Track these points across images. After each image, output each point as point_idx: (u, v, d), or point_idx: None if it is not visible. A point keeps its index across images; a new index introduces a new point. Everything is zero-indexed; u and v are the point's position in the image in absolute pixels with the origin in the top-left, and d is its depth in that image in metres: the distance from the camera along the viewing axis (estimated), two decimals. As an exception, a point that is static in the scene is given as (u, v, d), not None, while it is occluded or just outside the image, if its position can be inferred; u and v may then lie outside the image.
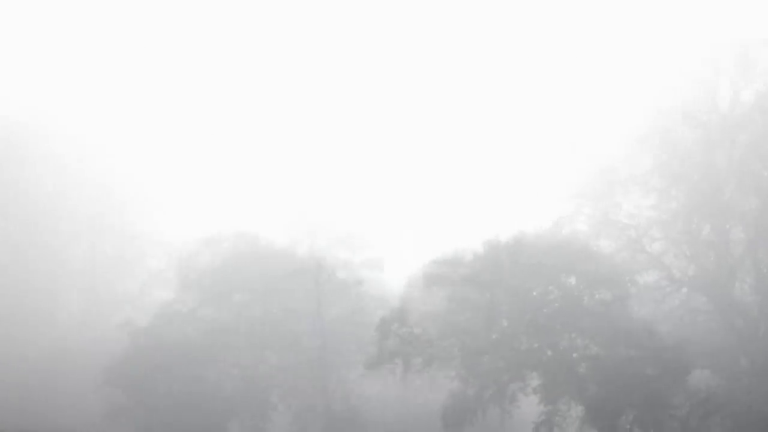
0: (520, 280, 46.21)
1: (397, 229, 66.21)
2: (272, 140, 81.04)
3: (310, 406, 56.43)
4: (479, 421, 45.13)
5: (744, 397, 46.63)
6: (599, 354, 45.03)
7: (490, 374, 45.17)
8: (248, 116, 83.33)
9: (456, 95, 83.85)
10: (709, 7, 53.24)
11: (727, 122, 51.51)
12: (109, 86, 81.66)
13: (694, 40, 52.85)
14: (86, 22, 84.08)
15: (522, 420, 46.68)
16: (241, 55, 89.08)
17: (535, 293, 46.59)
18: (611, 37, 59.12)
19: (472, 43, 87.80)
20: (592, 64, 59.12)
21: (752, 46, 51.21)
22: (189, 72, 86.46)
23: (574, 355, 45.59)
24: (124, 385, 54.78)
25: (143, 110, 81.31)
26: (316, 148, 79.26)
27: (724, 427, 45.63)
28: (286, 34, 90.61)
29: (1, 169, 75.60)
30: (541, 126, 60.74)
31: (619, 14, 62.14)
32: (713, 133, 51.60)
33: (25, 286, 74.71)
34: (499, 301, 45.85)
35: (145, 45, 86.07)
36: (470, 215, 69.72)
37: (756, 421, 44.95)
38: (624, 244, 52.94)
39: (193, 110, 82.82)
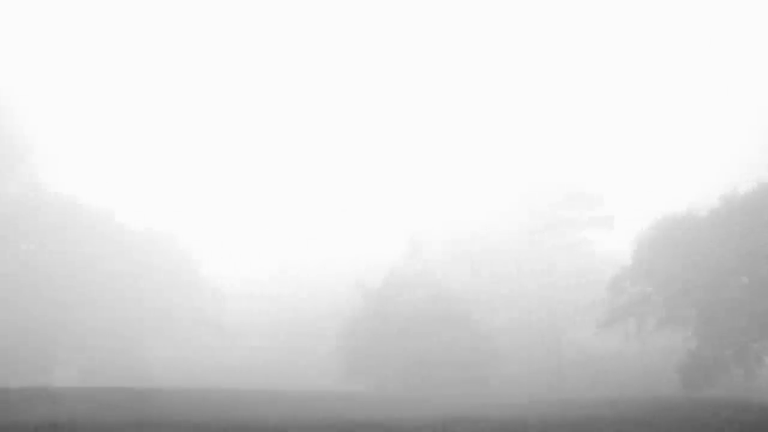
0: (761, 235, 43.84)
1: (625, 186, 64.38)
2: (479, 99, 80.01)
3: (541, 363, 56.56)
4: (721, 381, 43.50)
5: None
6: None
7: (731, 334, 43.34)
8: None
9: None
10: None
11: None
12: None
13: None
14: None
15: (768, 381, 44.70)
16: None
17: (778, 248, 44.04)
18: None
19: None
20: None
21: None
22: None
23: (825, 312, 42.82)
24: (360, 347, 56.71)
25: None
26: (538, 107, 78.40)
27: None
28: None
29: None
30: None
31: None
32: None
33: None
34: (738, 258, 43.74)
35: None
36: (700, 169, 66.74)
37: None
38: None
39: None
